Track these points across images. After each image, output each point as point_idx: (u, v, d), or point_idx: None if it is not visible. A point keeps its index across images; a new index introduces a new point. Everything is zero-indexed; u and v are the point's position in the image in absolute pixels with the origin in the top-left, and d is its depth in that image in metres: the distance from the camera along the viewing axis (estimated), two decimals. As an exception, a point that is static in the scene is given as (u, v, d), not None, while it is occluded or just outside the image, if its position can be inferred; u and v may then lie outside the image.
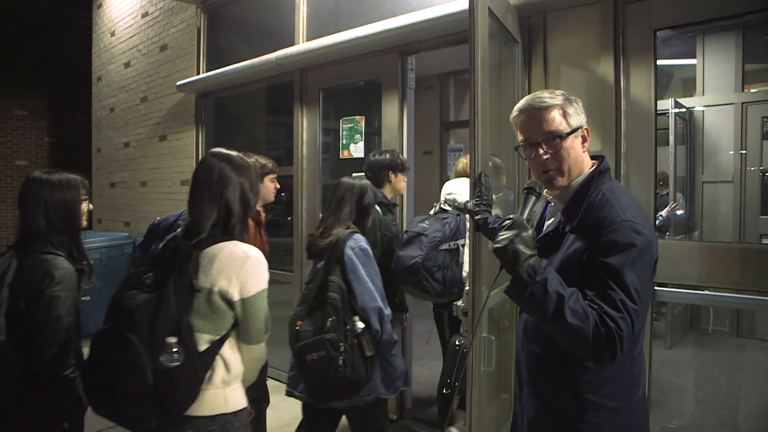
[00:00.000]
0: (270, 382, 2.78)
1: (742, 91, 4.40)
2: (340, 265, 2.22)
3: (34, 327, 1.76)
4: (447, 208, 2.96)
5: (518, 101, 1.48)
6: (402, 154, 3.12)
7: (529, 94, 1.51)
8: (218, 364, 1.56)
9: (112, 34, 6.53)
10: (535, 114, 1.40)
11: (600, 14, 2.51)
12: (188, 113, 5.27)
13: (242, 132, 5.65)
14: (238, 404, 1.61)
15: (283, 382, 2.47)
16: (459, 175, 3.16)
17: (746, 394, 3.64)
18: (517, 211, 1.44)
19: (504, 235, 1.30)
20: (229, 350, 1.58)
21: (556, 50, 2.68)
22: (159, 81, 5.66)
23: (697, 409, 3.51)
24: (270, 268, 1.66)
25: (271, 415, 2.84)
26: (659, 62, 2.45)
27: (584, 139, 1.43)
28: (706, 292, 2.42)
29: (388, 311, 2.26)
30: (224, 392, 1.57)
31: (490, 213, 1.70)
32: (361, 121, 3.77)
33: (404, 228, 3.17)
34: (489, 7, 2.04)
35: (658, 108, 2.48)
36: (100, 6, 6.84)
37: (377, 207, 2.74)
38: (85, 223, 2.02)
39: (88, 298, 2.06)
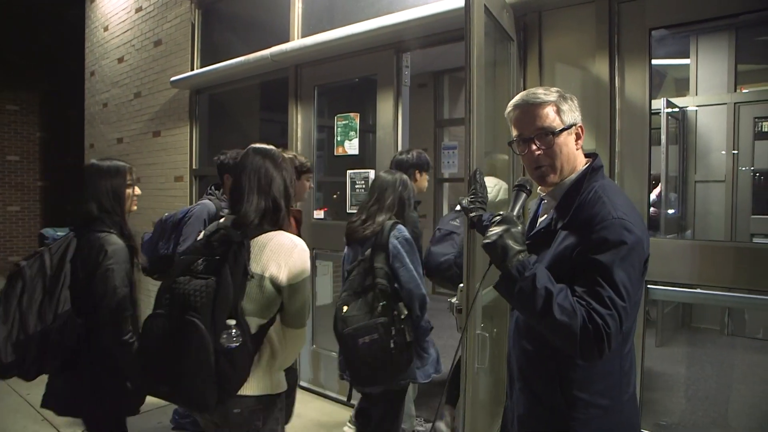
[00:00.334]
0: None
1: (735, 91, 4.43)
2: (384, 252, 2.32)
3: (94, 297, 1.95)
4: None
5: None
6: (418, 152, 3.11)
7: (524, 91, 1.51)
8: (265, 347, 1.68)
9: (106, 29, 6.47)
10: (529, 110, 1.41)
11: (595, 13, 2.52)
12: (182, 109, 5.24)
13: (237, 128, 5.63)
14: (280, 386, 1.74)
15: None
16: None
17: (736, 392, 3.67)
18: (507, 208, 1.45)
19: (494, 230, 1.31)
20: (274, 334, 1.69)
21: (552, 49, 2.69)
22: (153, 76, 5.62)
23: (687, 406, 3.54)
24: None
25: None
26: (653, 62, 2.46)
27: (578, 137, 1.44)
28: (697, 290, 2.44)
29: (428, 299, 2.34)
30: (270, 374, 1.69)
31: (485, 210, 1.70)
32: (355, 118, 3.76)
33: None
34: (485, 5, 2.04)
35: (651, 107, 2.49)
36: (93, 0, 6.79)
37: None
38: (134, 207, 2.19)
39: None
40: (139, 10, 5.83)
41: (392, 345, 2.20)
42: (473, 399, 1.88)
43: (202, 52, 5.12)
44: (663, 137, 4.29)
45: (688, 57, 4.61)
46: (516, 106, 1.44)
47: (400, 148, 3.40)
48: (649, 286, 2.39)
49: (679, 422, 3.26)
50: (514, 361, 1.52)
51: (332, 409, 3.63)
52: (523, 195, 1.48)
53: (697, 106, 4.62)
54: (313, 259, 3.80)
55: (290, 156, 2.60)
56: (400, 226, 2.39)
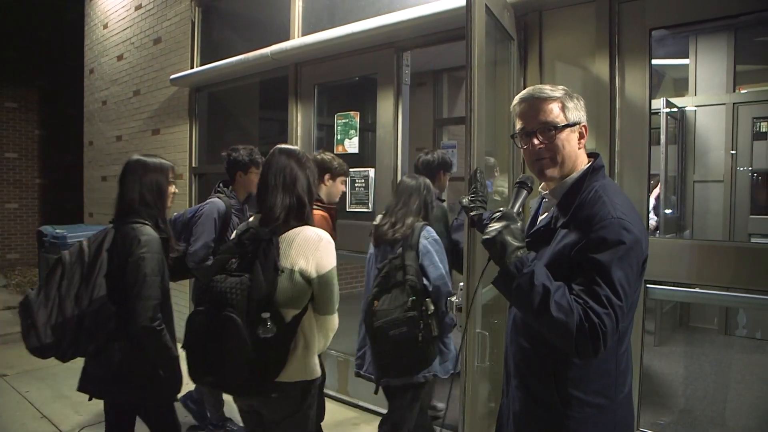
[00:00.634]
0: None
1: (734, 91, 4.44)
2: (414, 251, 2.45)
3: (126, 284, 2.03)
4: (497, 198, 3.03)
5: (513, 98, 1.49)
6: (442, 152, 3.15)
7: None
8: (299, 335, 1.79)
9: (105, 26, 6.46)
10: (534, 104, 1.42)
11: (596, 13, 2.52)
12: (182, 107, 5.24)
13: (236, 127, 5.62)
14: (315, 372, 1.84)
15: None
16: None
17: (734, 391, 3.69)
18: (508, 205, 1.45)
19: (493, 226, 1.31)
20: (307, 323, 1.81)
21: (552, 48, 2.70)
22: (152, 74, 5.61)
23: (686, 405, 3.55)
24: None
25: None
26: (652, 62, 2.47)
27: (581, 136, 1.45)
28: (696, 289, 2.45)
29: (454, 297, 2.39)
30: (304, 361, 1.80)
31: (485, 209, 1.71)
32: (355, 117, 3.76)
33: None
34: (486, 4, 2.04)
35: (651, 107, 2.50)
36: (92, -2, 6.78)
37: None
38: (170, 204, 2.28)
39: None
40: (138, 7, 5.82)
41: (420, 338, 2.31)
42: (473, 397, 1.89)
43: (201, 50, 5.11)
44: (662, 137, 4.30)
45: (687, 57, 4.63)
46: (522, 100, 1.46)
47: (400, 147, 3.41)
48: (647, 285, 2.40)
49: (677, 421, 3.27)
50: (510, 358, 1.52)
51: (332, 408, 3.63)
52: (524, 192, 1.49)
53: (696, 106, 4.63)
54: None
55: (328, 158, 2.70)
56: (429, 228, 2.53)
